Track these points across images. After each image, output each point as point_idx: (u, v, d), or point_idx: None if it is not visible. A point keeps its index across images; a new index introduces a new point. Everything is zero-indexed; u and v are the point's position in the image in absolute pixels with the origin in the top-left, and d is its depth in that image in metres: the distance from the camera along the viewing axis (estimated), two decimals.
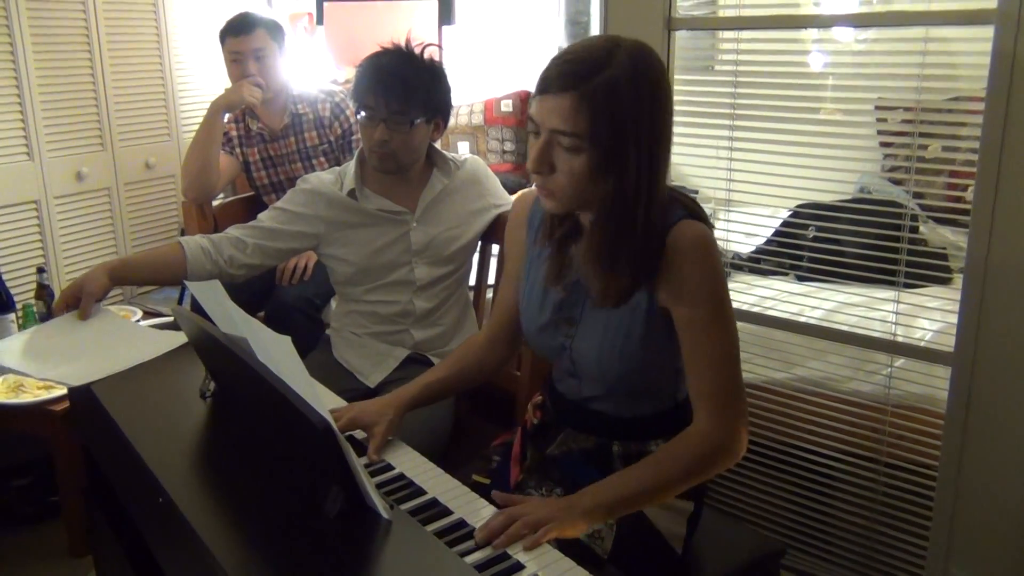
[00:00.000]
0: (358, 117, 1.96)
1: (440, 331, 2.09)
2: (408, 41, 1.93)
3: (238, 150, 2.84)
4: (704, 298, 1.29)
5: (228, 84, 3.53)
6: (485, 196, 2.10)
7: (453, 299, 2.11)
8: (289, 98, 2.78)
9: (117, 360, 1.73)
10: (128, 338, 1.86)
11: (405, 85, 1.88)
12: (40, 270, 2.80)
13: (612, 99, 1.19)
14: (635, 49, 1.23)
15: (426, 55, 1.93)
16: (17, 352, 1.86)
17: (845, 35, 2.26)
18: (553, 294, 1.42)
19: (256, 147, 2.82)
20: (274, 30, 2.74)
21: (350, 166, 2.03)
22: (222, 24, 2.73)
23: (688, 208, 1.33)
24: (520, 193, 1.80)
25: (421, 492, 1.28)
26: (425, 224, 2.03)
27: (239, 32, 2.69)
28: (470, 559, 1.10)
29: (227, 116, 2.86)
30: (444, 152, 2.08)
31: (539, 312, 1.44)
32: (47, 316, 2.74)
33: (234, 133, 2.84)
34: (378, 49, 1.94)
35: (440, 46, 3.12)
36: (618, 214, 1.26)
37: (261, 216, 2.03)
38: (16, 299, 2.67)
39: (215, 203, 2.90)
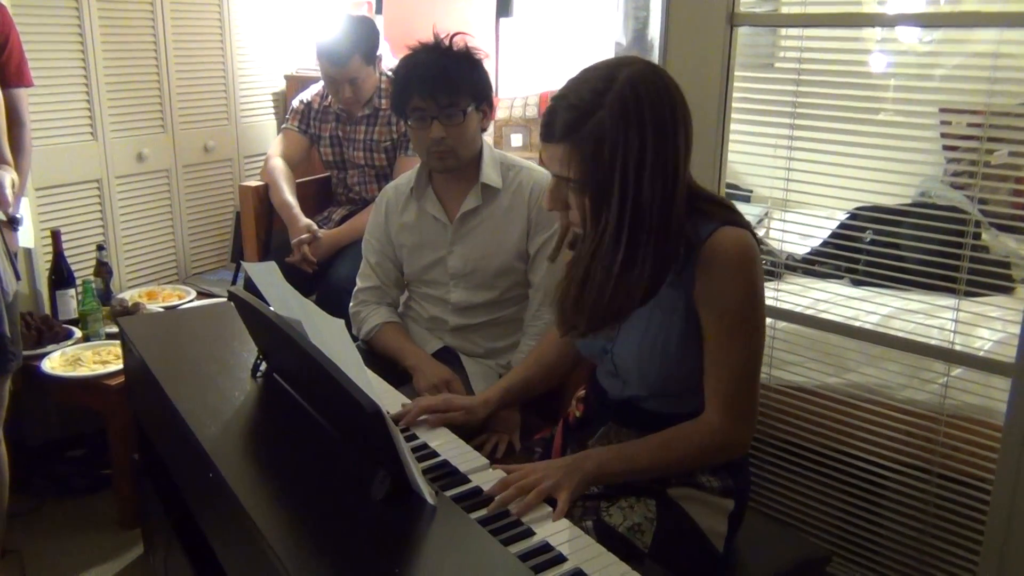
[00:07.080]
0: (408, 125, 1.93)
1: (476, 349, 2.04)
2: (436, 35, 1.90)
3: (312, 123, 2.87)
4: (734, 305, 1.31)
5: (286, 70, 3.59)
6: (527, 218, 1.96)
7: (503, 327, 2.03)
8: (377, 91, 2.77)
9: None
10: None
11: (447, 76, 1.85)
12: (100, 247, 2.88)
13: (600, 143, 1.24)
14: (635, 77, 1.25)
15: (456, 44, 1.89)
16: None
17: (910, 35, 2.21)
18: None
19: (331, 123, 2.85)
20: (368, 51, 2.68)
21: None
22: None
23: (725, 218, 1.33)
24: None
25: (465, 480, 1.28)
26: (463, 242, 1.97)
27: (334, 62, 2.65)
28: (513, 548, 1.10)
29: (311, 92, 2.89)
30: (505, 156, 2.02)
31: None
32: (105, 292, 2.82)
33: (316, 105, 2.87)
34: (407, 52, 1.91)
35: (496, 37, 3.12)
36: (608, 244, 1.28)
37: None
38: (76, 275, 2.74)
39: None
